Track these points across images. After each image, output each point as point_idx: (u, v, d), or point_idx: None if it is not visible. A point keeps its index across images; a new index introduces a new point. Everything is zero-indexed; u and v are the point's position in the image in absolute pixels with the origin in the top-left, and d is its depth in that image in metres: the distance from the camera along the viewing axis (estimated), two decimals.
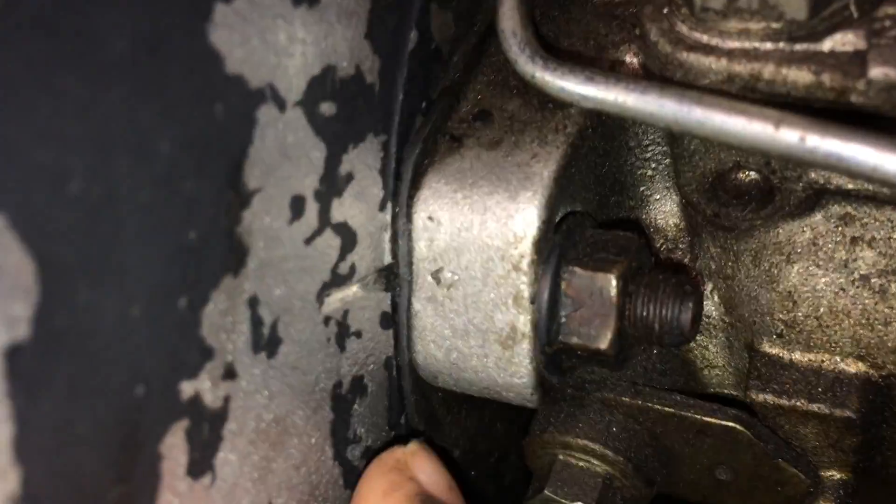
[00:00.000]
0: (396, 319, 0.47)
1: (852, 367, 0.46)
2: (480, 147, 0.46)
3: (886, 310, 0.45)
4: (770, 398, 0.46)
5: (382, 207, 0.46)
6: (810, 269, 0.46)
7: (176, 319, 0.34)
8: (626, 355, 0.45)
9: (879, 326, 0.45)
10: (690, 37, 0.42)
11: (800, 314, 0.47)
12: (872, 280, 0.45)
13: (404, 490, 0.42)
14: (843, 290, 0.46)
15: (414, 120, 0.47)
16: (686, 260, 0.51)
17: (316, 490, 0.43)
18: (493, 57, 0.50)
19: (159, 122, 0.33)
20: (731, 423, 0.46)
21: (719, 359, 0.52)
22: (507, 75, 0.49)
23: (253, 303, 0.38)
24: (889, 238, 0.45)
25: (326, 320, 0.43)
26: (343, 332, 0.44)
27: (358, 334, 0.45)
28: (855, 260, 0.45)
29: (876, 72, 0.38)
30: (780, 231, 0.47)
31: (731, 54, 0.41)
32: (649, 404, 0.47)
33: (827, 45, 0.40)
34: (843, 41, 0.40)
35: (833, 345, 0.46)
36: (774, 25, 0.40)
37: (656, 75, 0.44)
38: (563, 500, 0.47)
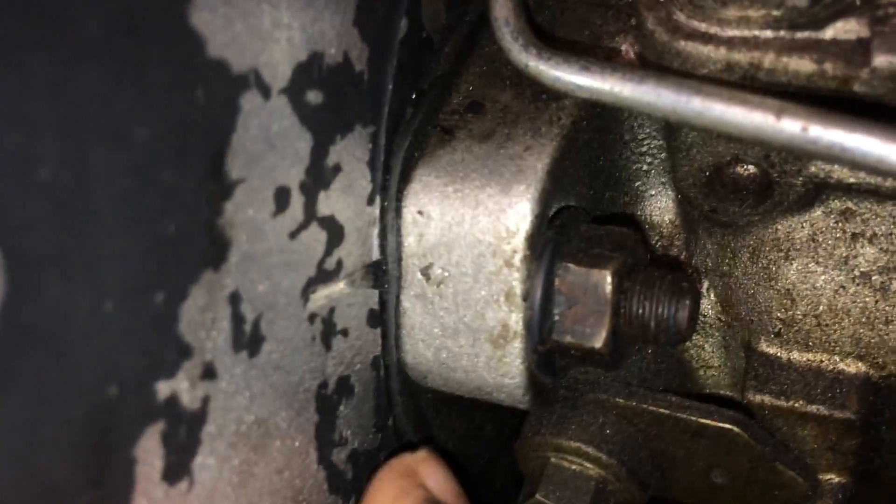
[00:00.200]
0: (385, 317, 0.45)
1: (852, 367, 0.45)
2: (472, 139, 0.45)
3: (888, 308, 0.45)
4: (767, 399, 0.45)
5: (371, 201, 0.44)
6: (809, 266, 0.46)
7: (152, 315, 0.33)
8: (620, 354, 0.44)
9: (880, 325, 0.45)
10: (688, 25, 0.42)
11: (798, 313, 0.46)
12: (873, 277, 0.44)
13: (413, 496, 0.42)
14: (843, 287, 0.45)
15: (404, 111, 0.46)
16: (682, 257, 0.50)
17: (300, 495, 0.42)
18: (485, 47, 0.49)
19: (136, 107, 0.31)
20: (727, 425, 0.45)
21: (715, 359, 0.51)
22: (500, 66, 0.48)
23: (234, 299, 0.36)
24: (891, 234, 0.44)
25: (312, 318, 0.41)
26: (329, 330, 0.43)
27: (344, 333, 0.44)
28: (855, 257, 0.45)
29: (880, 59, 0.37)
30: (779, 227, 0.46)
31: (730, 43, 0.40)
32: (643, 406, 0.46)
33: (829, 32, 0.39)
34: (845, 29, 0.39)
35: (832, 344, 0.46)
36: (775, 13, 0.40)
37: (653, 65, 0.43)
38: None
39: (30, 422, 0.28)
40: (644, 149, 0.50)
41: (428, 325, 0.44)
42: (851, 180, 0.42)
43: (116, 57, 0.30)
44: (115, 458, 0.32)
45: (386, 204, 0.44)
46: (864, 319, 0.45)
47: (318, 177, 0.41)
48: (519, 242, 0.42)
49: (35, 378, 0.28)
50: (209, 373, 0.36)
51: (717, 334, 0.50)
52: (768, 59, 0.39)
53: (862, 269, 0.45)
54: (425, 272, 0.44)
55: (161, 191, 0.33)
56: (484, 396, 0.45)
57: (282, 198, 0.39)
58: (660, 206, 0.51)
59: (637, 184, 0.51)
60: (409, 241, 0.44)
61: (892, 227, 0.44)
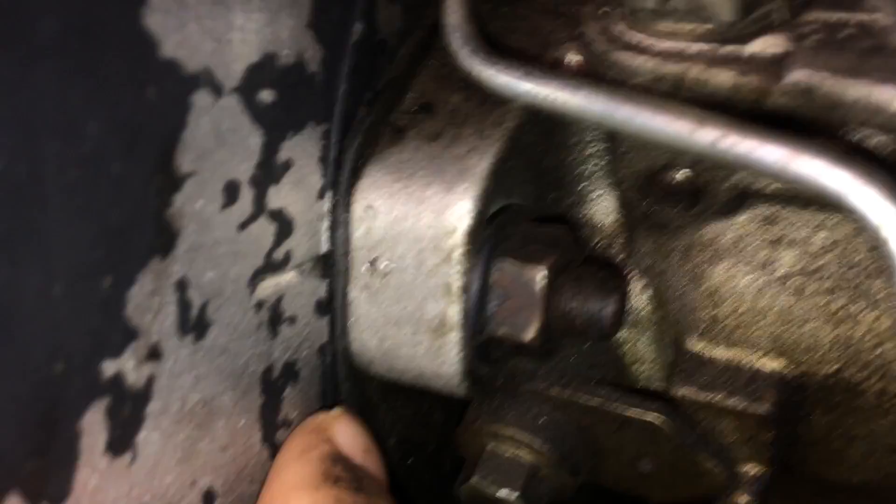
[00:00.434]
0: (333, 307, 0.47)
1: (770, 364, 0.47)
2: (421, 139, 0.47)
3: (804, 309, 0.46)
4: (691, 393, 0.47)
5: (321, 196, 0.46)
6: (734, 268, 0.48)
7: (99, 299, 0.35)
8: (552, 347, 0.46)
9: (796, 326, 0.47)
10: (624, 36, 0.43)
11: (722, 312, 0.48)
12: (791, 280, 0.46)
13: (318, 450, 0.43)
14: (764, 289, 0.47)
15: (357, 110, 0.47)
16: (622, 257, 0.52)
17: (243, 471, 0.44)
18: (439, 51, 0.50)
19: (88, 104, 0.33)
20: (650, 418, 0.47)
21: (649, 354, 0.53)
22: (453, 70, 0.49)
23: (182, 285, 0.39)
24: (808, 239, 0.46)
25: (259, 305, 0.43)
26: (276, 317, 0.45)
27: (292, 320, 0.46)
28: (776, 260, 0.47)
29: (793, 75, 0.39)
30: (708, 230, 0.48)
31: (661, 54, 0.42)
32: (575, 397, 0.48)
33: (751, 48, 0.41)
34: (767, 45, 0.40)
35: (752, 342, 0.48)
36: (704, 27, 0.41)
37: (595, 74, 0.45)
38: (490, 487, 0.48)
39: None
40: (589, 152, 0.52)
41: (373, 315, 0.46)
42: (773, 188, 0.44)
43: (70, 57, 0.32)
44: (61, 430, 0.34)
45: (337, 198, 0.46)
46: (781, 320, 0.47)
47: (269, 172, 0.43)
48: (459, 239, 0.44)
49: None
50: (154, 354, 0.38)
51: (650, 330, 0.52)
52: (694, 71, 0.41)
53: (781, 273, 0.47)
54: (372, 265, 0.46)
55: (111, 182, 0.35)
56: (424, 384, 0.47)
57: (231, 191, 0.41)
58: (603, 208, 0.52)
59: (582, 185, 0.53)
60: (358, 235, 0.46)
61: (809, 232, 0.46)
